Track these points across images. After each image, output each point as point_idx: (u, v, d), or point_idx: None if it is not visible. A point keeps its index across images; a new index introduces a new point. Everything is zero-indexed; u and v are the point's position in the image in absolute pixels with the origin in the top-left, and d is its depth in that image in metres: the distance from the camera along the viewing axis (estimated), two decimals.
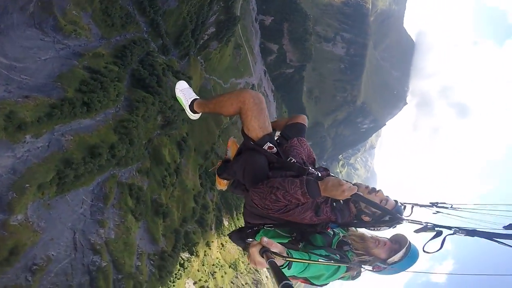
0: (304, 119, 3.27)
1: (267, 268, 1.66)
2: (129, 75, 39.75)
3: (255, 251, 1.70)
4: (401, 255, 2.42)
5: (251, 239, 2.06)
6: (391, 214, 2.48)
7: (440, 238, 2.14)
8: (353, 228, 2.76)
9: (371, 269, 2.49)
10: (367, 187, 2.63)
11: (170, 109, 41.93)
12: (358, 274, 2.56)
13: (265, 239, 1.74)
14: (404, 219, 2.45)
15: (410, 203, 2.66)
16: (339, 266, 2.34)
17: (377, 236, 2.65)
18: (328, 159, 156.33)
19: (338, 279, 2.47)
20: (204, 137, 57.14)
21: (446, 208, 2.45)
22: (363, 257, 2.50)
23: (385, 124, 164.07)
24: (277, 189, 2.44)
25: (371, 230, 2.66)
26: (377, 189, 2.62)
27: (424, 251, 2.24)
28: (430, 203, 2.59)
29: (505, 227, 1.98)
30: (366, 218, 2.58)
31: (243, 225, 3.02)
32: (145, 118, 38.23)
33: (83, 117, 30.37)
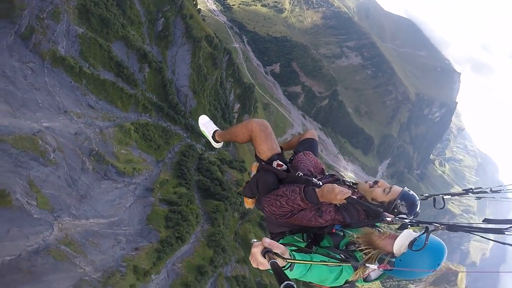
0: (311, 134, 3.63)
1: (269, 269, 1.71)
2: (196, 188, 45.06)
3: (257, 251, 1.75)
4: (405, 243, 2.26)
5: (254, 240, 1.96)
6: (376, 211, 2.51)
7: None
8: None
9: (376, 266, 2.29)
10: (367, 182, 2.82)
11: (241, 205, 45.97)
12: (382, 276, 2.48)
13: (266, 239, 1.79)
14: (387, 216, 2.39)
15: (439, 194, 2.72)
16: (342, 268, 2.34)
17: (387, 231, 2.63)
18: (421, 166, 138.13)
19: (348, 282, 2.41)
20: None
21: (485, 192, 2.46)
22: (367, 251, 2.44)
23: (456, 102, 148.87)
24: (281, 197, 2.77)
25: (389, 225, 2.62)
26: (378, 180, 2.76)
27: (412, 249, 2.18)
28: (463, 190, 2.60)
29: (483, 221, 2.10)
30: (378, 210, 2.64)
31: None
32: (226, 224, 43.16)
33: (181, 247, 36.54)
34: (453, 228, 2.06)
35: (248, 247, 47.00)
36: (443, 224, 2.09)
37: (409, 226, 2.26)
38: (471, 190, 2.55)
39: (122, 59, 41.05)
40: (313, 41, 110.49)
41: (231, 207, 44.64)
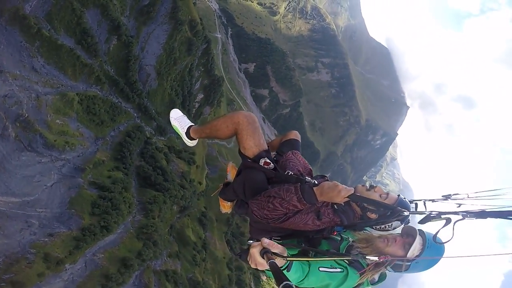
0: (296, 135, 3.42)
1: (267, 269, 1.68)
2: (135, 174, 41.11)
3: (255, 252, 1.72)
4: (419, 246, 2.37)
5: (251, 241, 2.00)
6: (390, 208, 2.47)
7: (451, 226, 2.11)
8: (360, 232, 2.65)
9: (377, 258, 2.27)
10: (364, 185, 2.68)
11: (182, 199, 43.50)
12: (383, 277, 2.50)
13: (265, 240, 1.75)
14: (404, 211, 2.42)
15: (421, 200, 2.66)
16: (347, 274, 2.27)
17: (386, 235, 2.55)
18: (353, 184, 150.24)
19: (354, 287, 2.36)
20: None
21: (463, 198, 2.40)
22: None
23: (397, 134, 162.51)
24: (273, 198, 2.51)
25: (382, 229, 2.58)
26: (374, 185, 2.68)
27: (436, 242, 2.20)
28: (442, 196, 2.55)
29: None
30: (372, 215, 2.56)
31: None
32: (161, 217, 40.11)
33: (105, 237, 33.21)
34: (483, 215, 1.94)
35: (183, 242, 45.63)
36: (470, 213, 1.98)
37: (432, 218, 2.24)
38: (449, 196, 2.49)
39: (91, 27, 36.39)
40: (293, 50, 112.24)
41: (171, 199, 41.70)
